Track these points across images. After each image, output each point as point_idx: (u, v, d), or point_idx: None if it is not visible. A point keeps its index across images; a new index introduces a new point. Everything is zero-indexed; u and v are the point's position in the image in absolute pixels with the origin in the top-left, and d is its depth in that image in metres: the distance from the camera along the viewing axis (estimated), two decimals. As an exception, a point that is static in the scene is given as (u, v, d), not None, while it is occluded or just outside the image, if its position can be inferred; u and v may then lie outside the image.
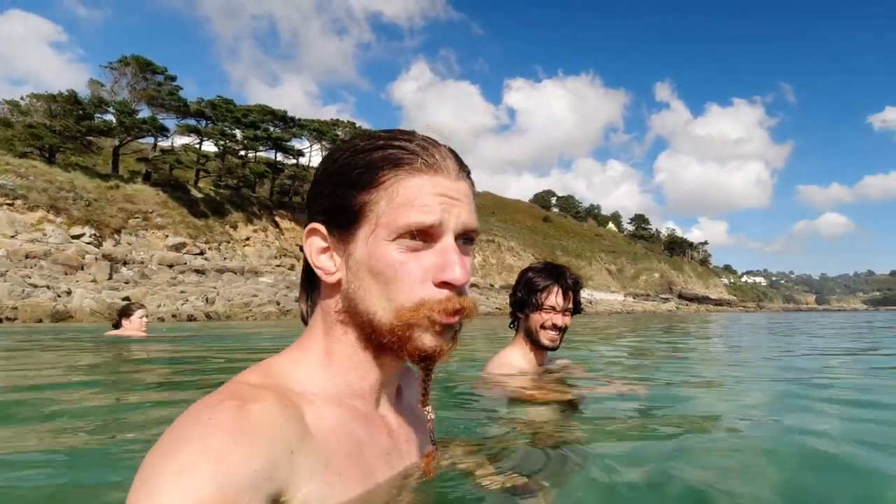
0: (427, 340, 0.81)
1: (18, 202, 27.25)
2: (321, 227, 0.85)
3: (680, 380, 3.35)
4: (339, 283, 0.85)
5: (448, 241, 0.81)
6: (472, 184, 0.89)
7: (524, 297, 2.49)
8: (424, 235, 0.80)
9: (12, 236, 25.08)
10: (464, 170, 0.87)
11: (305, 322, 0.94)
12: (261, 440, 0.68)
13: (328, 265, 0.85)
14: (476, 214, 0.87)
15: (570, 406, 2.14)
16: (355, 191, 0.82)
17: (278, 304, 22.73)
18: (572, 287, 2.48)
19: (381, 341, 0.83)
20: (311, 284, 0.95)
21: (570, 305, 2.48)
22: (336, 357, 0.86)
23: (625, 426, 1.93)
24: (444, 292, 0.81)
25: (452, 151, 0.87)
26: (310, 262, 0.86)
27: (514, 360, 2.56)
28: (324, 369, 0.86)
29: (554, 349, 2.52)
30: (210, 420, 0.67)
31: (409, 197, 0.80)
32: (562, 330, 2.47)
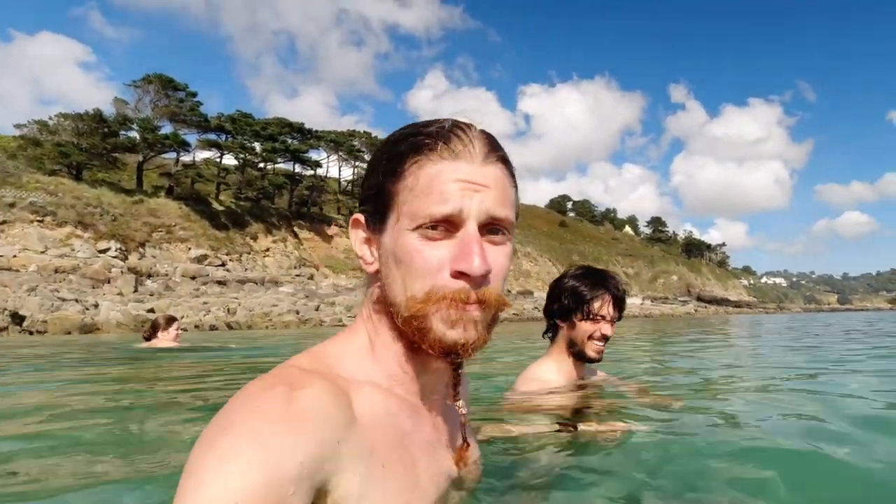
0: (445, 332, 0.79)
1: (48, 219, 28.11)
2: (361, 218, 0.87)
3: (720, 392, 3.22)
4: (377, 273, 0.86)
5: (469, 229, 0.78)
6: (505, 168, 0.84)
7: (570, 306, 2.31)
8: (446, 224, 0.78)
9: (42, 252, 25.89)
10: (494, 153, 0.82)
11: None
12: (308, 428, 0.67)
13: (367, 255, 0.86)
14: (510, 202, 0.83)
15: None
16: (384, 180, 0.82)
17: (297, 312, 23.15)
18: (622, 295, 2.38)
19: (405, 332, 0.82)
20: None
21: (618, 314, 2.37)
22: (377, 346, 0.86)
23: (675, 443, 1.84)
24: (459, 283, 0.78)
25: (485, 134, 0.84)
26: (355, 251, 0.88)
27: (548, 375, 2.39)
28: (369, 357, 0.86)
29: (599, 361, 2.37)
30: (258, 406, 0.67)
31: (428, 184, 0.78)
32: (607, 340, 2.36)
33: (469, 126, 0.83)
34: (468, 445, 0.97)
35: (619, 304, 2.35)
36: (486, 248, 0.79)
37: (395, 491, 0.77)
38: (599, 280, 2.34)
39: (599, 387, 2.57)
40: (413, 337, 0.81)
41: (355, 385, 0.80)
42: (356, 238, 0.88)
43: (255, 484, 0.60)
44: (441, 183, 0.78)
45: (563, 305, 2.34)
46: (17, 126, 33.72)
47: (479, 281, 0.78)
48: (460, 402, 0.95)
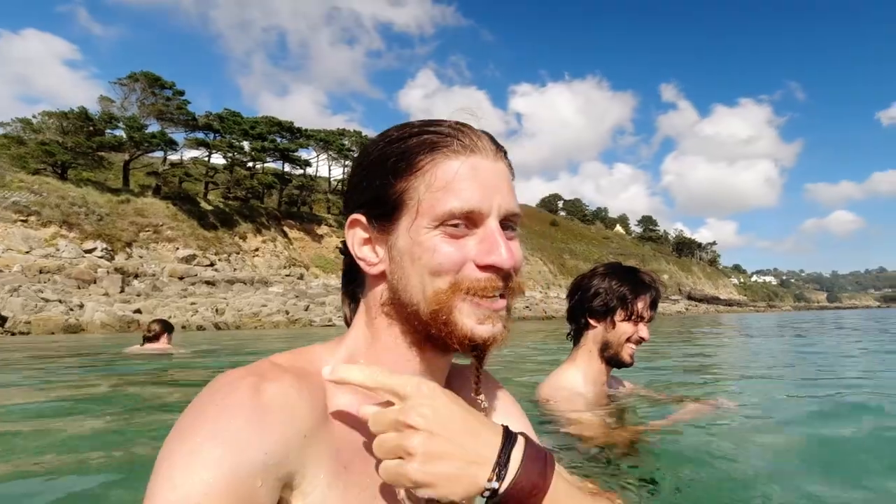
0: (474, 328, 0.78)
1: (32, 218, 27.73)
2: (362, 218, 0.83)
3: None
4: (382, 274, 0.83)
5: (492, 224, 0.78)
6: (510, 165, 0.86)
7: (612, 305, 2.14)
8: (467, 220, 0.78)
9: (27, 252, 25.51)
10: (500, 150, 0.84)
11: (349, 325, 0.91)
12: (274, 421, 0.68)
13: (371, 256, 0.84)
14: (516, 198, 0.84)
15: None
16: (393, 179, 0.79)
17: (287, 312, 22.99)
18: (659, 294, 2.22)
19: (428, 332, 0.80)
20: (352, 284, 0.93)
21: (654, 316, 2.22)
22: (378, 347, 0.85)
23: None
24: (487, 274, 0.78)
25: (487, 133, 0.84)
26: (352, 253, 0.85)
27: (576, 383, 2.21)
28: (358, 358, 0.85)
29: (632, 365, 2.21)
30: (224, 399, 0.68)
31: (448, 180, 0.77)
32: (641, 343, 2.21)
33: (472, 126, 0.83)
34: None
35: (656, 304, 2.20)
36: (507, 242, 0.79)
37: (356, 493, 0.77)
38: (642, 278, 2.19)
39: (634, 397, 2.44)
40: (438, 334, 0.79)
41: (334, 384, 0.78)
42: (355, 239, 0.85)
43: (225, 477, 0.62)
44: (461, 178, 0.77)
45: (604, 303, 2.15)
46: (0, 124, 33.22)
47: (507, 273, 0.79)
48: (481, 396, 0.93)
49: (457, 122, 0.83)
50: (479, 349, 0.81)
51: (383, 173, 0.80)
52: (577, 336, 2.26)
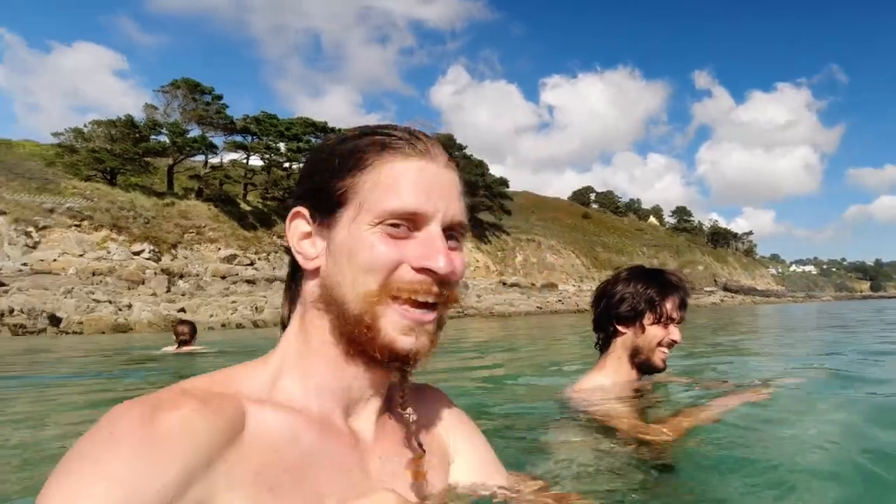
0: (397, 339, 0.77)
1: (85, 223, 29.16)
2: (305, 211, 0.82)
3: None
4: (318, 270, 0.81)
5: (434, 229, 0.78)
6: (460, 176, 0.84)
7: (638, 309, 2.06)
8: (409, 222, 0.77)
9: (80, 255, 26.89)
10: (451, 159, 0.83)
11: (285, 326, 0.88)
12: (168, 451, 0.62)
13: (309, 250, 0.82)
14: (464, 208, 0.83)
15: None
16: (340, 174, 0.79)
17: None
18: (688, 294, 2.16)
19: (352, 334, 0.78)
20: (294, 283, 0.89)
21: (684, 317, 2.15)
22: (306, 355, 0.82)
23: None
24: (421, 276, 0.77)
25: (439, 141, 0.84)
26: (291, 247, 0.83)
27: (603, 386, 2.13)
28: (286, 374, 0.81)
29: (664, 370, 2.13)
30: (111, 433, 0.62)
31: (395, 180, 0.77)
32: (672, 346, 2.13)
33: (424, 132, 0.84)
34: (423, 454, 0.88)
35: (685, 305, 2.14)
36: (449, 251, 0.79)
37: None
38: (668, 278, 2.13)
39: (668, 388, 2.31)
40: (360, 338, 0.78)
41: (255, 404, 0.75)
42: (294, 232, 0.83)
43: None
44: (409, 180, 0.77)
45: (630, 308, 2.07)
46: (55, 134, 34.84)
47: (443, 280, 0.78)
48: (409, 410, 0.89)
49: (411, 128, 0.83)
50: (400, 361, 0.79)
51: (330, 168, 0.80)
52: (604, 344, 2.19)
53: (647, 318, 2.06)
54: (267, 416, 0.75)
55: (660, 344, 2.07)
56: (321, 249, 0.81)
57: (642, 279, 2.12)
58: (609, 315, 2.13)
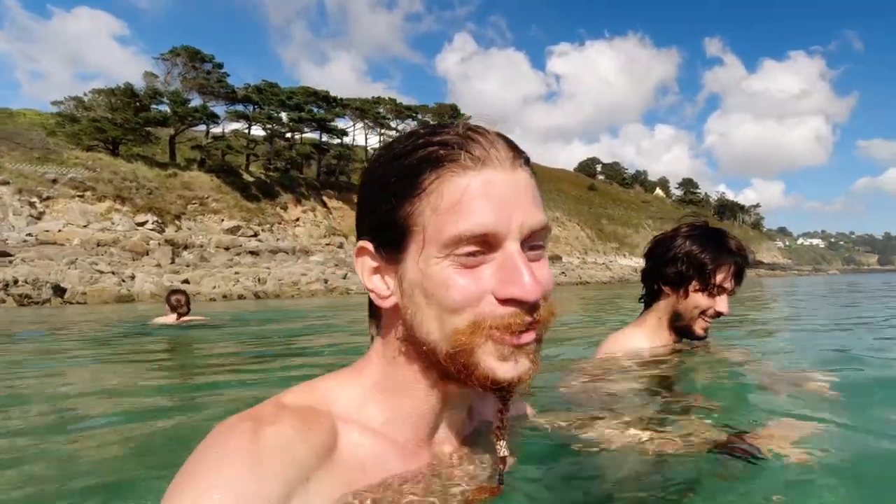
0: (496, 368, 0.70)
1: (88, 193, 29.18)
2: (369, 246, 0.76)
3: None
4: (396, 307, 0.76)
5: (511, 247, 0.69)
6: (532, 173, 0.75)
7: (687, 273, 1.92)
8: (481, 245, 0.69)
9: (85, 226, 26.98)
10: (520, 157, 0.73)
11: (373, 338, 0.86)
12: (274, 466, 0.64)
13: (381, 287, 0.77)
14: (542, 208, 0.74)
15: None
16: (397, 202, 0.71)
17: (326, 281, 23.70)
18: (745, 266, 1.99)
19: (446, 371, 0.74)
20: (375, 308, 0.85)
21: (738, 287, 1.99)
22: (393, 385, 0.79)
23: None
24: (510, 308, 0.69)
25: (503, 137, 0.74)
26: (363, 284, 0.79)
27: (639, 346, 2.02)
28: (373, 396, 0.80)
29: (705, 339, 2.02)
30: (223, 446, 0.65)
31: (455, 200, 0.68)
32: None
33: (485, 129, 0.74)
34: (500, 487, 0.82)
35: (740, 276, 1.97)
36: (532, 266, 0.71)
37: None
38: (724, 245, 1.94)
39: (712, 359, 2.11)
40: (458, 374, 0.73)
41: (345, 423, 0.75)
42: (364, 268, 0.78)
43: None
44: (472, 197, 0.68)
45: (678, 271, 1.93)
46: (55, 103, 34.72)
47: (534, 305, 0.70)
48: (502, 443, 0.82)
49: (467, 128, 0.74)
50: (501, 391, 0.74)
51: (385, 196, 0.73)
52: (648, 301, 2.08)
53: (694, 285, 1.92)
54: (355, 436, 0.76)
55: (703, 313, 1.94)
56: (394, 286, 0.76)
57: (699, 240, 1.94)
58: (656, 273, 2.01)
